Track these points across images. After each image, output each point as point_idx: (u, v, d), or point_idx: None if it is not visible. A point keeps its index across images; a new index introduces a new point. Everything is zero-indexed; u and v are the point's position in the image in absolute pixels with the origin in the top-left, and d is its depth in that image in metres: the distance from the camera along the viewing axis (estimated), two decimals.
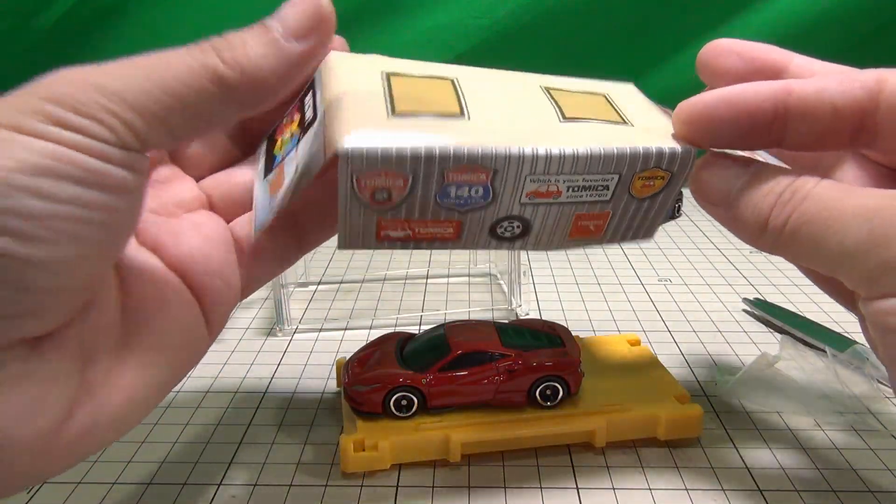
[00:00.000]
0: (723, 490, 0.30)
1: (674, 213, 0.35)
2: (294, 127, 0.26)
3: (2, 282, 0.20)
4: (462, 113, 0.24)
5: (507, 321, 0.37)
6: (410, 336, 0.36)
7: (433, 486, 0.30)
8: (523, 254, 0.52)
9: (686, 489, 0.30)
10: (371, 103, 0.24)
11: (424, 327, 0.37)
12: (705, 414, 0.33)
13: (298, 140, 0.25)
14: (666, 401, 0.33)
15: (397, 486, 0.30)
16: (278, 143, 0.27)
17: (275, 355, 0.42)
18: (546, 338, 0.35)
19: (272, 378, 0.40)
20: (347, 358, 0.35)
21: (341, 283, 0.54)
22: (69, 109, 0.21)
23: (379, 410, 0.32)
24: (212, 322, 0.26)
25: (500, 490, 0.30)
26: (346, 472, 0.31)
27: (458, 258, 0.56)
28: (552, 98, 0.27)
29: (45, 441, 0.22)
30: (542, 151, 0.23)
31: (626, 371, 0.36)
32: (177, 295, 0.25)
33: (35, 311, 0.21)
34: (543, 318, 0.41)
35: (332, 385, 0.39)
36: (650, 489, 0.30)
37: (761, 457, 0.32)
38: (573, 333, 0.36)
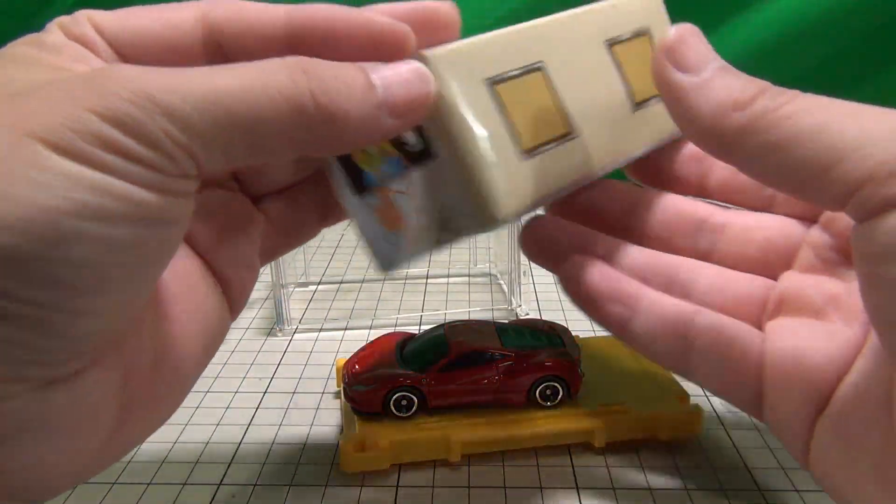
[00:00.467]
0: (723, 490, 0.30)
1: None
2: (386, 144, 0.25)
3: (47, 334, 0.18)
4: (571, 132, 0.26)
5: (507, 321, 0.37)
6: (410, 336, 0.36)
7: (433, 486, 0.30)
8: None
9: (686, 489, 0.30)
10: (496, 143, 0.24)
11: (424, 327, 0.37)
12: (705, 414, 0.33)
13: (405, 167, 0.24)
14: (666, 401, 0.33)
15: (397, 486, 0.30)
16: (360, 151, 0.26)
17: (275, 355, 0.42)
18: (546, 338, 0.35)
19: (272, 378, 0.40)
20: (347, 358, 0.35)
21: (341, 283, 0.54)
22: (130, 136, 0.18)
23: (379, 410, 0.32)
24: (234, 308, 0.26)
25: (500, 490, 0.30)
26: (345, 472, 0.31)
27: (458, 258, 0.56)
28: (619, 66, 0.28)
29: (95, 456, 0.21)
30: (622, 161, 0.28)
31: (626, 371, 0.36)
32: (204, 283, 0.24)
33: (79, 354, 0.19)
34: (543, 318, 0.41)
35: (332, 385, 0.39)
36: (650, 489, 0.30)
37: (761, 457, 0.32)
38: (573, 333, 0.36)
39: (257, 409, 0.37)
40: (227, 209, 0.26)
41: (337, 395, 0.38)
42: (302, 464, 0.32)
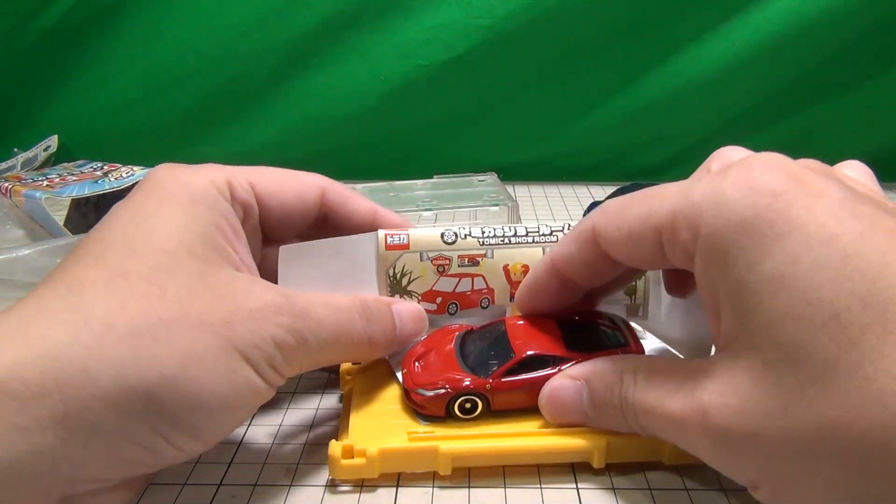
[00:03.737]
0: None
1: None
2: None
3: (160, 464, 0.27)
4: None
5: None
6: (469, 330, 0.35)
7: (433, 486, 0.30)
8: None
9: None
10: None
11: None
12: None
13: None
14: None
15: (397, 486, 0.30)
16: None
17: None
18: (609, 336, 0.33)
19: None
20: (406, 353, 0.34)
21: None
22: (283, 356, 0.27)
23: (442, 414, 0.31)
24: None
25: None
26: (335, 479, 0.30)
27: None
28: None
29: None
30: None
31: None
32: None
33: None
34: None
35: (333, 385, 0.38)
36: None
37: None
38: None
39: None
40: None
41: (337, 396, 0.37)
42: (302, 464, 0.32)
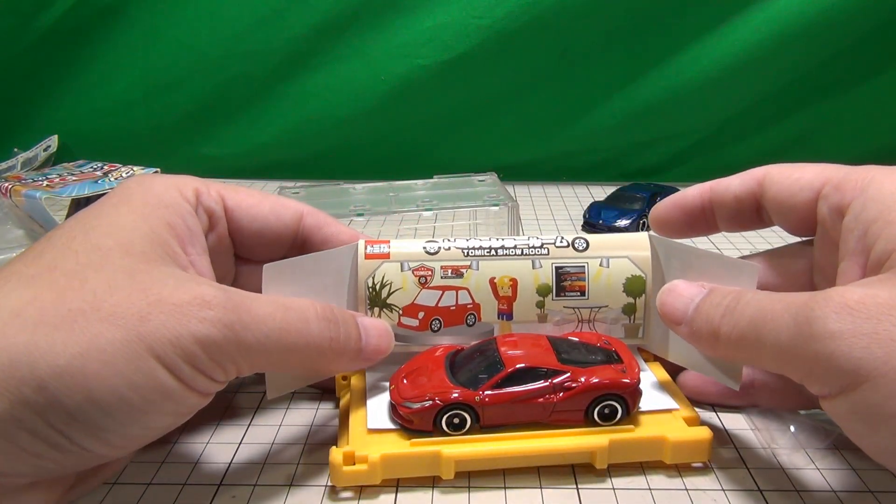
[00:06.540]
0: None
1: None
2: None
3: (67, 465, 0.25)
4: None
5: (559, 334, 0.35)
6: (459, 349, 0.34)
7: (433, 489, 0.30)
8: None
9: None
10: None
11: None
12: (717, 433, 0.32)
13: None
14: (674, 422, 0.32)
15: (397, 487, 0.30)
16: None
17: None
18: (603, 353, 0.33)
19: None
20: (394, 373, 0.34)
21: None
22: (208, 356, 0.25)
23: (430, 428, 0.31)
24: None
25: None
26: (336, 486, 0.30)
27: None
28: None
29: None
30: None
31: None
32: None
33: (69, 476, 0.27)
34: None
35: (330, 388, 0.38)
36: None
37: (774, 478, 0.31)
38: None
39: (257, 409, 0.36)
40: None
41: (337, 404, 0.37)
42: (302, 464, 0.32)
